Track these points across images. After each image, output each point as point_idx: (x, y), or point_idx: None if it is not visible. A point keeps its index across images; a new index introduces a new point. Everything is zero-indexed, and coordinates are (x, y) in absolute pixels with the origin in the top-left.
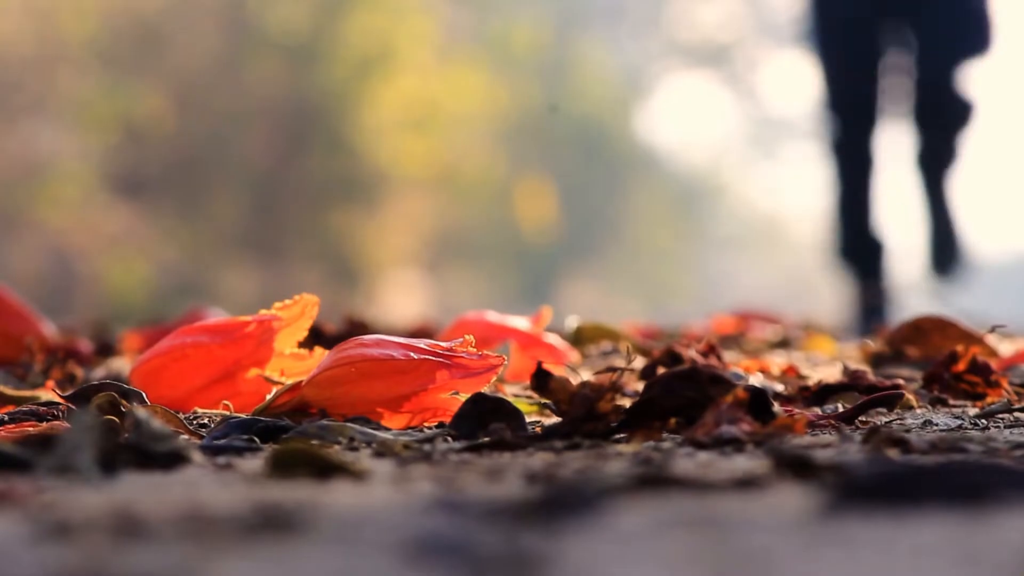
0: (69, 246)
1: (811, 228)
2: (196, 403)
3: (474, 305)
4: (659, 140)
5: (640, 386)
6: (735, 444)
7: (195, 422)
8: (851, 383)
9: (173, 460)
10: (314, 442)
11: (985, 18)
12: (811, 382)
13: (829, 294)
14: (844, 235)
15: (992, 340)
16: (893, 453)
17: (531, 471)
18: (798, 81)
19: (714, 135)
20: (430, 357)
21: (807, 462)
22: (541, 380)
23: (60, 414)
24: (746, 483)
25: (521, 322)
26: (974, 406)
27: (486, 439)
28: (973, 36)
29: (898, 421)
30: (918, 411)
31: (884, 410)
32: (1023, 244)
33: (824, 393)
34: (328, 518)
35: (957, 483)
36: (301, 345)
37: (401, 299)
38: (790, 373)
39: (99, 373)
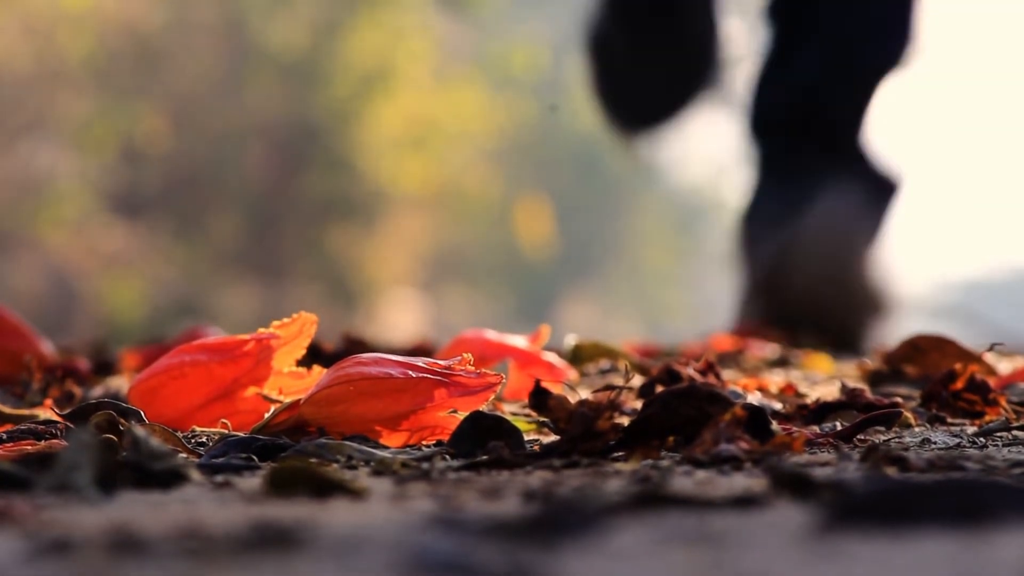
0: (67, 265)
1: None
2: (194, 422)
3: (472, 324)
4: (658, 158)
5: (638, 404)
6: (733, 462)
7: (193, 440)
8: (849, 401)
9: (171, 478)
10: (312, 460)
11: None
12: (809, 400)
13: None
14: None
15: (990, 358)
16: (891, 471)
17: (529, 489)
18: None
19: (713, 153)
20: (428, 376)
21: (805, 480)
22: (539, 398)
23: (58, 433)
24: (744, 501)
25: (519, 340)
26: (972, 424)
27: (484, 457)
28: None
29: (896, 439)
30: (916, 429)
31: (882, 428)
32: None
33: (822, 411)
34: (327, 536)
35: (955, 501)
36: (300, 363)
37: (399, 317)
38: (788, 391)
39: (97, 392)
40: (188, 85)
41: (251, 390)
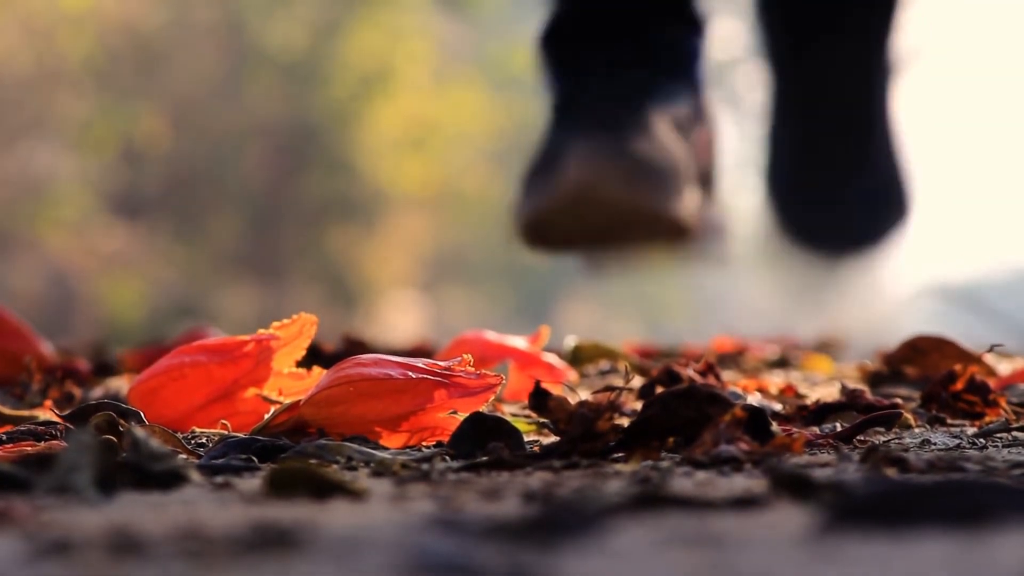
0: (67, 266)
1: None
2: (194, 423)
3: (472, 324)
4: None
5: (638, 405)
6: (733, 463)
7: (193, 441)
8: (849, 402)
9: (171, 479)
10: (312, 461)
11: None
12: (809, 401)
13: (826, 313)
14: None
15: (990, 359)
16: (891, 472)
17: (529, 490)
18: None
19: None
20: (428, 376)
21: (805, 481)
22: (539, 399)
23: (58, 434)
24: (744, 502)
25: (519, 341)
26: (972, 425)
27: (484, 458)
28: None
29: (896, 440)
30: (916, 430)
31: (882, 429)
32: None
33: (822, 412)
34: (326, 537)
35: (955, 502)
36: (299, 364)
37: (399, 318)
38: (788, 392)
39: (97, 393)
40: (188, 86)
41: (251, 391)
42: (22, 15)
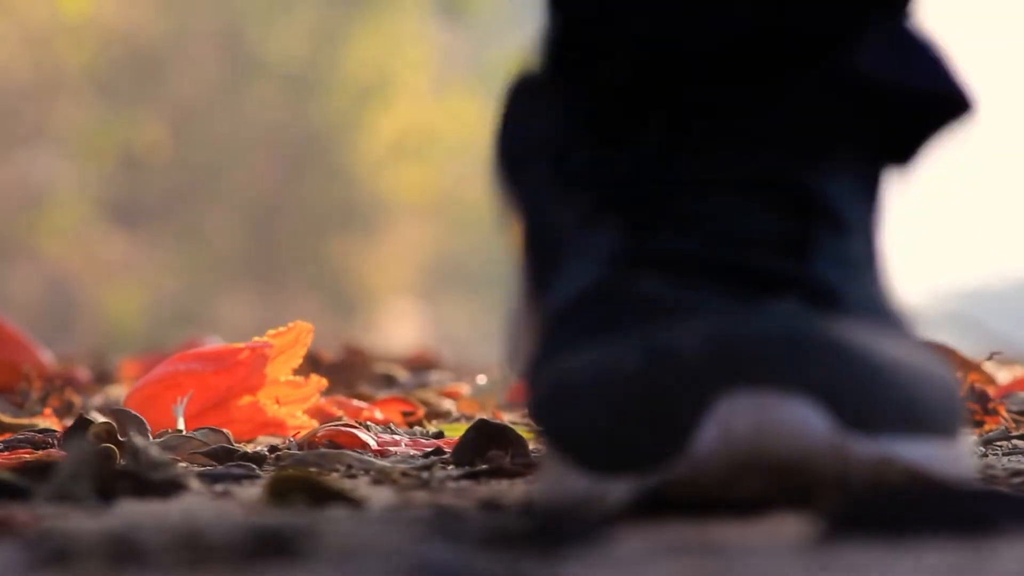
0: (67, 274)
1: None
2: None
3: (472, 332)
4: None
5: None
6: None
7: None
8: None
9: (171, 488)
10: (312, 469)
11: None
12: None
13: None
14: None
15: (990, 367)
16: None
17: (530, 497)
18: None
19: None
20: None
21: (805, 488)
22: None
23: (56, 442)
24: (745, 509)
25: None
26: (972, 433)
27: (484, 466)
28: None
29: None
30: None
31: None
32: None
33: None
34: (327, 545)
35: (955, 510)
36: (297, 372)
37: (399, 326)
38: None
39: (98, 401)
40: (187, 94)
41: (246, 399)
42: (22, 23)
